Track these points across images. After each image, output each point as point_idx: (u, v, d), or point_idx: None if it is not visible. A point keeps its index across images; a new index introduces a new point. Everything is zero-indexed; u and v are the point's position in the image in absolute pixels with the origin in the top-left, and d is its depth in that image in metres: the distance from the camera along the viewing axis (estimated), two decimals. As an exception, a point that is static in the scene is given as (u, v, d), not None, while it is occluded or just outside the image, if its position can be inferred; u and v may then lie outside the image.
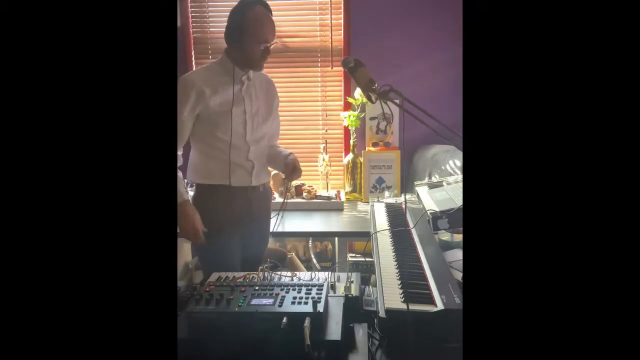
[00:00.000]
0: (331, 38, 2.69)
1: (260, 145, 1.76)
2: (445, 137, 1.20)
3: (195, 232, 1.61)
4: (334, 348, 0.91)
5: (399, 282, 1.13)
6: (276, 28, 1.69)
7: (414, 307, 0.98)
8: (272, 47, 1.63)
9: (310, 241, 2.80)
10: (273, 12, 1.68)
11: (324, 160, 2.64)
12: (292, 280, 1.10)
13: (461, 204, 1.45)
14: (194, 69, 2.84)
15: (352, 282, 1.14)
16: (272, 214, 1.91)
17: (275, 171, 2.21)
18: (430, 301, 1.02)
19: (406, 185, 2.56)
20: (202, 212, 1.66)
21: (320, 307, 0.94)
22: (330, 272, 1.17)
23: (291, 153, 1.82)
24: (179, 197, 1.59)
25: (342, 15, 2.68)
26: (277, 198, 2.45)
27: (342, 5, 2.68)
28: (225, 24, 1.64)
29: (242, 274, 1.18)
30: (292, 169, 1.75)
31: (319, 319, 0.93)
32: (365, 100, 2.47)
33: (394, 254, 1.34)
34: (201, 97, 1.59)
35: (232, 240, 1.71)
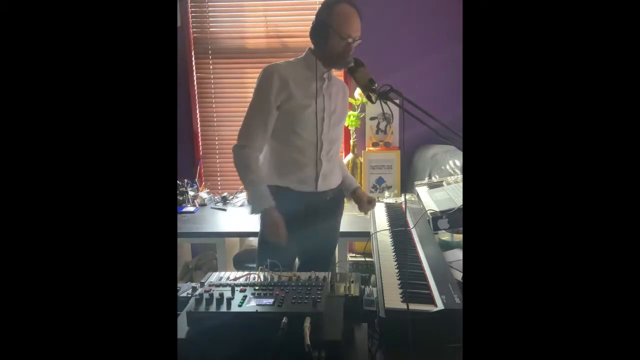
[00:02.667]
0: (331, 38, 2.68)
1: (333, 147, 1.77)
2: (445, 137, 1.20)
3: (280, 238, 1.62)
4: (334, 348, 0.91)
5: (399, 282, 1.13)
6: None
7: (414, 307, 0.98)
8: (355, 44, 1.63)
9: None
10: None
11: (324, 160, 2.64)
12: (292, 280, 1.10)
13: (461, 204, 1.45)
14: (194, 69, 2.84)
15: (352, 282, 1.14)
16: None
17: None
18: (430, 301, 1.02)
19: (406, 185, 2.56)
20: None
21: (320, 307, 0.94)
22: (330, 272, 1.17)
23: (358, 186, 1.91)
24: (267, 202, 1.61)
25: (342, 15, 2.68)
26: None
27: (342, 5, 2.68)
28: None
29: (242, 273, 1.18)
30: (368, 202, 1.86)
31: (319, 319, 0.93)
32: (365, 100, 2.47)
33: (394, 254, 1.34)
34: (285, 87, 1.62)
35: (294, 242, 1.69)
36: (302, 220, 1.70)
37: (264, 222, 1.64)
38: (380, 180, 2.67)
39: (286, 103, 1.64)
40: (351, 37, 1.61)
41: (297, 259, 1.90)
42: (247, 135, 1.66)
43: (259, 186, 1.64)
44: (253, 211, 1.65)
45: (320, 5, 1.65)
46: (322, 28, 1.61)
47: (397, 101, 1.29)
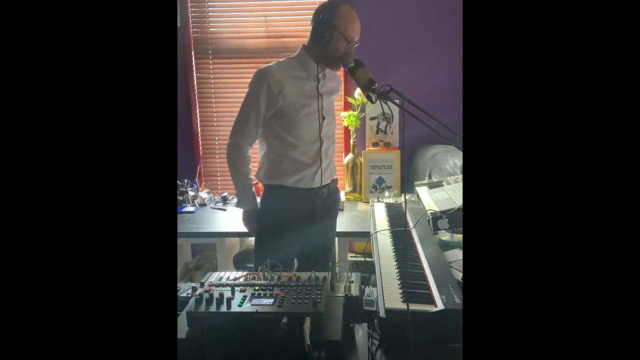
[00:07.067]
0: (331, 38, 2.68)
1: (330, 144, 1.84)
2: (445, 137, 1.20)
3: (251, 231, 1.90)
4: (334, 348, 0.91)
5: (399, 282, 1.13)
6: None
7: (414, 307, 0.98)
8: (354, 47, 1.66)
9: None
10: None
11: (324, 160, 2.64)
12: (292, 280, 1.10)
13: (461, 204, 1.45)
14: (194, 69, 2.84)
15: (352, 282, 1.14)
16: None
17: None
18: (430, 301, 1.02)
19: (406, 185, 2.55)
20: (267, 211, 1.79)
21: (320, 307, 0.94)
22: (330, 272, 1.17)
23: None
24: (251, 205, 1.84)
25: (342, 15, 2.68)
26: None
27: (342, 5, 2.68)
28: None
29: (242, 273, 1.18)
30: None
31: (319, 319, 0.93)
32: (365, 100, 2.47)
33: (394, 254, 1.34)
34: (280, 92, 1.64)
35: (290, 240, 1.76)
36: (303, 215, 1.76)
37: (245, 217, 1.88)
38: (380, 180, 2.67)
39: (283, 108, 1.66)
40: (355, 40, 1.64)
41: (295, 260, 1.91)
42: (237, 134, 1.74)
43: (245, 187, 1.81)
44: (238, 205, 1.89)
45: (323, 4, 1.65)
46: (327, 28, 1.61)
47: (397, 101, 1.29)
